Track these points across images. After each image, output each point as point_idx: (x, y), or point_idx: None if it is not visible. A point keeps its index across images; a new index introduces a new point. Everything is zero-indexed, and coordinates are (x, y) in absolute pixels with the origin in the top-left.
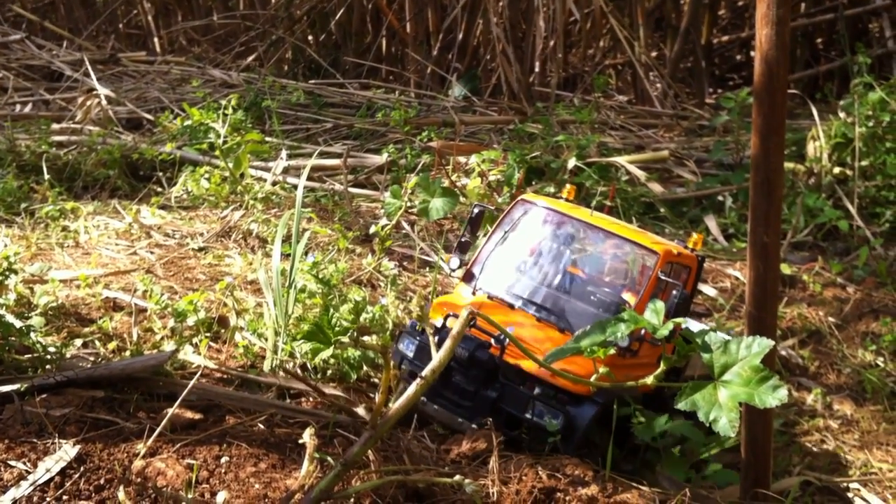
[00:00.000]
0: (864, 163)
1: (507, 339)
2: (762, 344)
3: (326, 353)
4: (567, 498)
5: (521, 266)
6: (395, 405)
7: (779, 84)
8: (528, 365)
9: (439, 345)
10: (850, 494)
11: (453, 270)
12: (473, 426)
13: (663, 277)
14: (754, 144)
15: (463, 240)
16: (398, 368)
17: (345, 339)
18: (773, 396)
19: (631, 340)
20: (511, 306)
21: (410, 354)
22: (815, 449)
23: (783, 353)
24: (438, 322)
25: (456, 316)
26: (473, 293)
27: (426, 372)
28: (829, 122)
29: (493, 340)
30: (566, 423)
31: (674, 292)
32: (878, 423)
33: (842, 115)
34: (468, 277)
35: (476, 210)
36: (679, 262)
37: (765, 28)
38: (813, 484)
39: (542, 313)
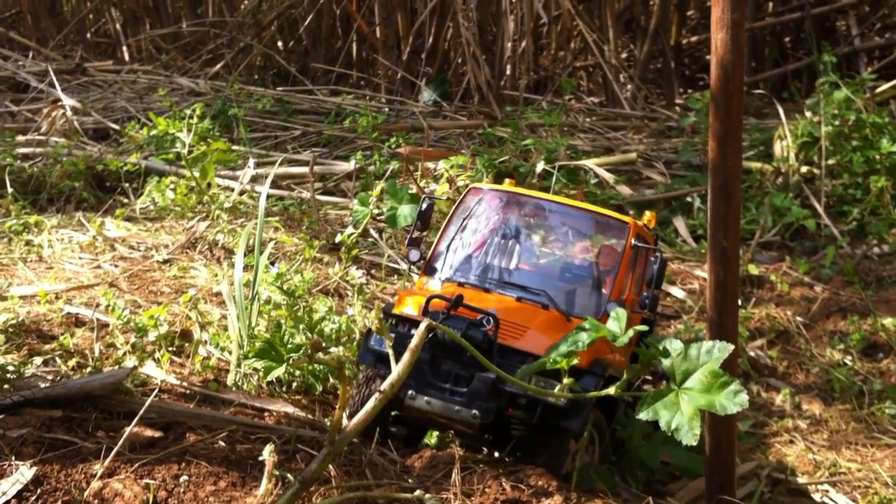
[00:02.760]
0: (830, 161)
1: (498, 323)
2: (722, 349)
3: (279, 372)
4: None
5: (486, 251)
6: (354, 420)
7: (735, 88)
8: (523, 343)
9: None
10: (818, 495)
11: (413, 262)
12: (475, 412)
13: (640, 244)
14: (712, 149)
15: (414, 235)
16: (372, 368)
17: (297, 357)
18: (734, 402)
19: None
20: (486, 290)
21: (387, 350)
22: (783, 449)
23: (752, 353)
24: (407, 310)
25: (441, 297)
26: (441, 284)
27: (385, 386)
28: (795, 121)
29: (483, 319)
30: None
31: (651, 258)
32: (846, 422)
33: (808, 114)
34: (430, 270)
35: (425, 203)
36: (644, 236)
37: (720, 32)
38: (782, 485)
39: (521, 293)
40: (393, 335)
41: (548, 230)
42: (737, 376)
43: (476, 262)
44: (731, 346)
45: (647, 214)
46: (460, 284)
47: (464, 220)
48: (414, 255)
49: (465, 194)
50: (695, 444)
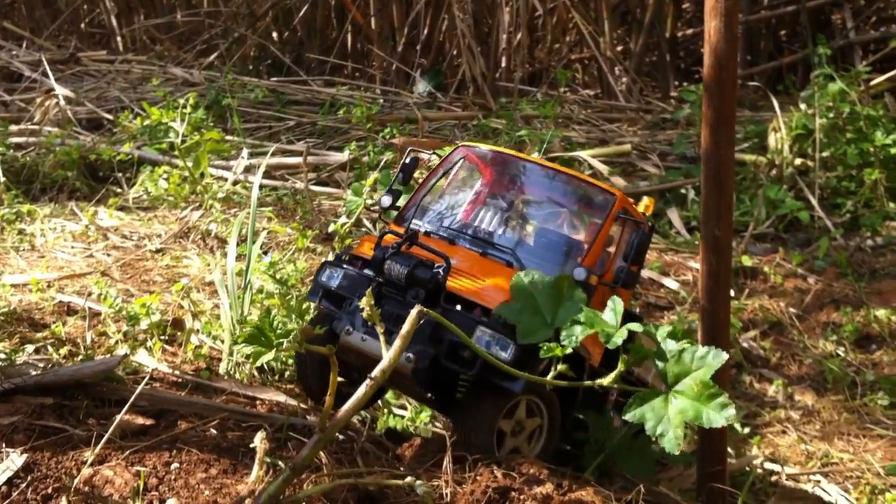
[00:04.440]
0: (824, 154)
1: (450, 266)
2: (717, 357)
3: (268, 357)
4: (522, 497)
5: (461, 205)
6: (345, 407)
7: (728, 76)
8: (474, 294)
9: (375, 267)
10: (810, 485)
11: (385, 209)
12: (409, 355)
13: (623, 216)
14: (704, 137)
15: (394, 188)
16: (319, 304)
17: (287, 343)
18: (721, 416)
19: (589, 274)
20: (451, 242)
21: (334, 285)
22: (776, 440)
23: (745, 344)
24: (363, 251)
25: (394, 233)
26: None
27: (376, 372)
28: (790, 113)
29: (441, 268)
30: (517, 356)
31: (633, 232)
32: (838, 412)
33: (803, 106)
34: (400, 220)
35: (410, 157)
36: (633, 217)
37: (713, 20)
38: (773, 475)
39: (486, 248)
40: (343, 269)
41: (530, 193)
42: (729, 376)
43: (448, 216)
44: (725, 356)
45: (646, 200)
46: (426, 234)
47: (444, 174)
48: (386, 200)
49: (452, 151)
50: (677, 453)
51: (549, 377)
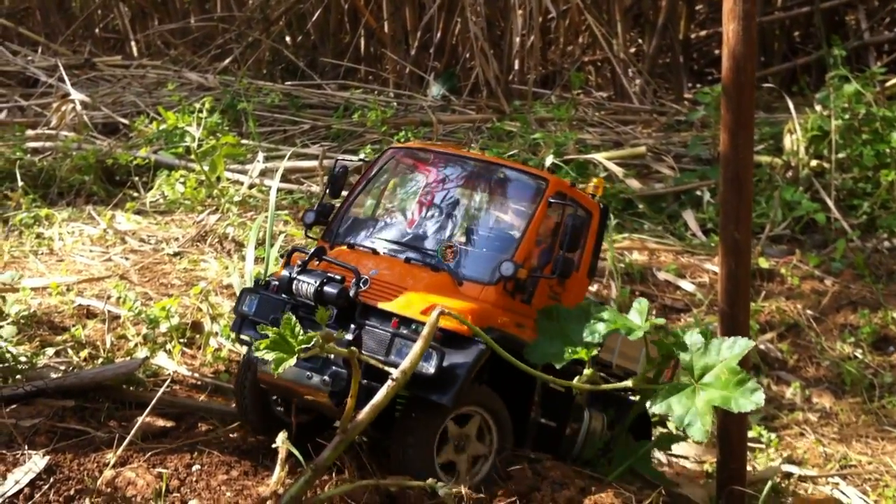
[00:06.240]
0: (840, 155)
1: (367, 280)
2: (742, 345)
3: (290, 363)
4: (545, 499)
5: (388, 213)
6: (366, 409)
7: (747, 79)
8: (392, 305)
9: (285, 288)
10: (829, 488)
11: (308, 226)
12: (325, 379)
13: (558, 201)
14: (723, 141)
15: (324, 201)
16: (236, 334)
17: (309, 348)
18: (750, 401)
19: (517, 269)
20: (375, 252)
21: (252, 311)
22: (794, 442)
23: (762, 346)
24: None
25: (301, 250)
26: (332, 247)
27: (397, 373)
28: (805, 115)
29: (362, 279)
30: (441, 368)
31: (567, 218)
32: (856, 415)
33: (818, 108)
34: (327, 235)
35: (338, 167)
36: (575, 199)
37: (732, 23)
38: (792, 477)
39: (411, 254)
40: (260, 294)
41: (461, 188)
42: (749, 370)
43: (375, 225)
44: (751, 343)
45: (594, 181)
46: (350, 247)
47: (372, 181)
48: (309, 217)
49: (380, 155)
50: (704, 441)
51: (575, 380)
